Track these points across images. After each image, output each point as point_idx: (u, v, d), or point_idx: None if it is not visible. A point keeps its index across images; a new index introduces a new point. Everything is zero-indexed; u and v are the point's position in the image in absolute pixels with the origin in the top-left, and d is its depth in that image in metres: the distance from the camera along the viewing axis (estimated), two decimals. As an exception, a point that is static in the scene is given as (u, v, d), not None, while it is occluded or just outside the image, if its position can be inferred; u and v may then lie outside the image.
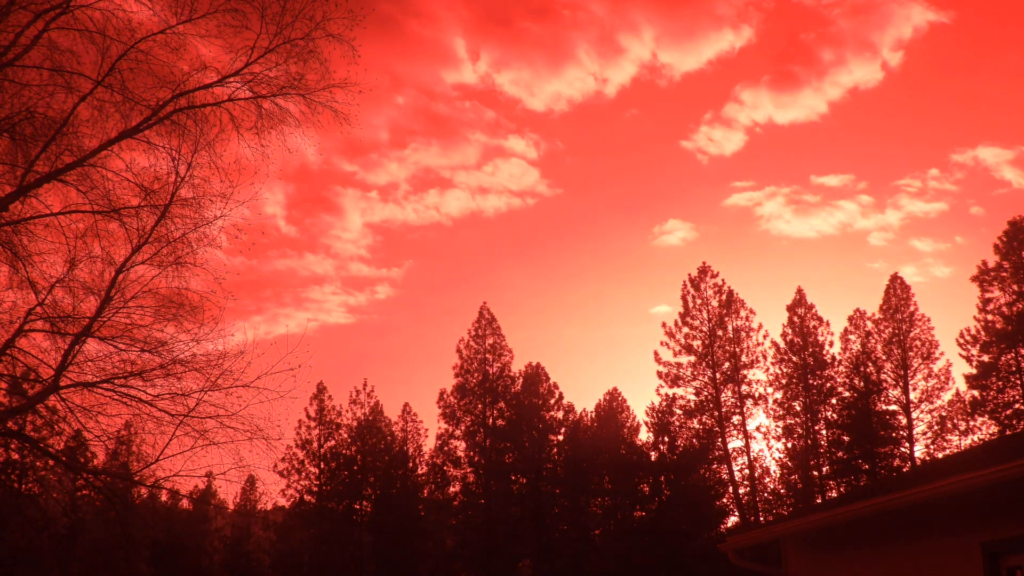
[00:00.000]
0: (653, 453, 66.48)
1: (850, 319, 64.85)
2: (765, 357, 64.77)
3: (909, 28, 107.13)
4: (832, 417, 62.96)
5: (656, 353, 66.09)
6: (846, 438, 62.20)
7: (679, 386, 65.36)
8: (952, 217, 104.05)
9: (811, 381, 63.40)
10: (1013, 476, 9.98)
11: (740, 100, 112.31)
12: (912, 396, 61.99)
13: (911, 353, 62.46)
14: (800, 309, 65.09)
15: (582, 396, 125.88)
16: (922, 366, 62.08)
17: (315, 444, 70.97)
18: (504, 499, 66.38)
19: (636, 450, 67.72)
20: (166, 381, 16.93)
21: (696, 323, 65.73)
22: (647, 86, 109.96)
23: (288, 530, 70.54)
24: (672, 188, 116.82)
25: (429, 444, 72.77)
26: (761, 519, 62.21)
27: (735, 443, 64.38)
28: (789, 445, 63.32)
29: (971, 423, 59.55)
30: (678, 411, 65.19)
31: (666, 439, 65.48)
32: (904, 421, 61.96)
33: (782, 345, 64.60)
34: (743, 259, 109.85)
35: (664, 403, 65.49)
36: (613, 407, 71.15)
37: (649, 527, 63.83)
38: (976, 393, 58.20)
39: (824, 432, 63.05)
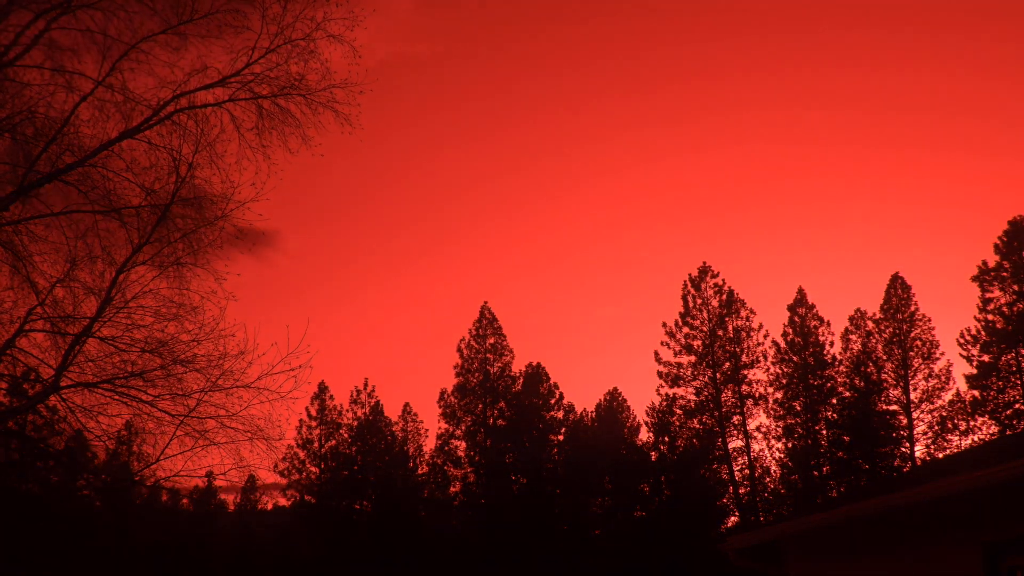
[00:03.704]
0: (653, 453, 66.49)
1: (851, 319, 64.91)
2: (765, 357, 64.83)
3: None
4: (832, 417, 62.96)
5: (656, 353, 66.18)
6: (846, 438, 62.21)
7: (679, 386, 65.42)
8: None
9: (811, 381, 63.41)
10: (1013, 476, 9.99)
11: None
12: (912, 396, 62.03)
13: (912, 353, 62.48)
14: (801, 309, 65.12)
15: (582, 396, 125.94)
16: (923, 366, 62.11)
17: (316, 444, 70.99)
18: (504, 499, 66.38)
19: (636, 450, 67.72)
20: (167, 381, 16.90)
21: (696, 323, 65.77)
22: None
23: (289, 530, 70.54)
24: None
25: (429, 444, 72.74)
26: (761, 519, 62.23)
27: (735, 443, 64.48)
28: (789, 445, 63.34)
29: (971, 423, 59.59)
30: (678, 411, 65.21)
31: (666, 439, 65.49)
32: (904, 421, 61.98)
33: (782, 345, 64.63)
34: (743, 257, 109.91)
35: (664, 403, 65.52)
36: (613, 407, 71.18)
37: (649, 527, 63.83)
38: (976, 393, 58.20)
39: (824, 432, 63.06)
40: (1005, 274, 57.55)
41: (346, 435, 71.74)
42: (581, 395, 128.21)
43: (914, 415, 61.77)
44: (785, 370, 64.11)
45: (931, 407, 61.52)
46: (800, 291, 65.83)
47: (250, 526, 76.42)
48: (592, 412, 71.56)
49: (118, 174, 17.13)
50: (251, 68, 17.31)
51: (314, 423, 71.38)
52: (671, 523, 62.08)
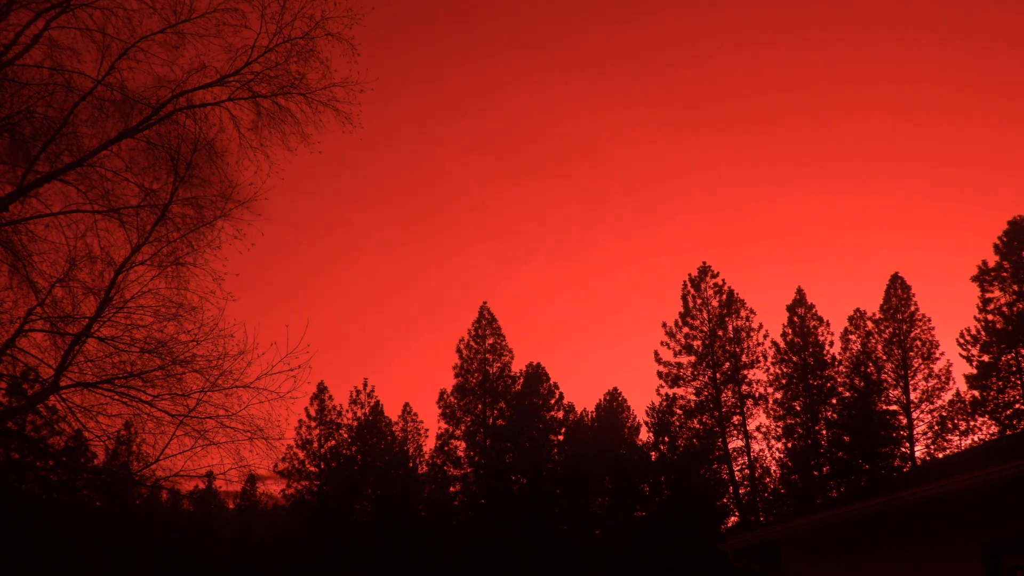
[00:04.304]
0: (653, 453, 66.47)
1: (850, 319, 64.90)
2: (765, 357, 64.80)
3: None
4: (832, 417, 62.94)
5: (656, 353, 66.16)
6: (846, 438, 62.18)
7: (679, 386, 65.39)
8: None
9: (811, 381, 63.39)
10: (1013, 476, 9.97)
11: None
12: (912, 396, 62.03)
13: (911, 353, 62.48)
14: (800, 309, 65.10)
15: (582, 396, 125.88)
16: (923, 366, 62.11)
17: (315, 444, 70.98)
18: (504, 499, 66.37)
19: (636, 450, 67.72)
20: (166, 382, 16.88)
21: (696, 323, 65.75)
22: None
23: (289, 530, 70.55)
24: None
25: (429, 444, 72.83)
26: (761, 519, 62.21)
27: (735, 443, 64.45)
28: (789, 445, 63.32)
29: (971, 423, 59.58)
30: (678, 411, 65.19)
31: (666, 439, 65.47)
32: (904, 421, 61.98)
33: (782, 345, 64.62)
34: (743, 257, 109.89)
35: (664, 403, 65.49)
36: (613, 407, 71.16)
37: (649, 527, 63.82)
38: (976, 393, 58.21)
39: (824, 432, 63.04)
40: (1005, 274, 57.55)
41: (346, 435, 71.76)
42: (581, 395, 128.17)
43: (914, 415, 61.77)
44: (785, 370, 64.10)
45: (931, 407, 61.55)
46: (800, 291, 65.89)
47: (250, 526, 76.41)
48: (592, 412, 71.56)
49: (117, 174, 17.15)
50: (250, 67, 17.33)
51: (313, 423, 71.40)
52: (671, 523, 62.06)
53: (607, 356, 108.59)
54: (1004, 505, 10.97)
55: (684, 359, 65.52)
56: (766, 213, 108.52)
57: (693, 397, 65.02)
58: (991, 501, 11.13)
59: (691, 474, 63.47)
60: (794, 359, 64.00)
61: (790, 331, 64.83)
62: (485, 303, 71.03)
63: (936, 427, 61.08)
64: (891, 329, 63.09)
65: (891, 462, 61.21)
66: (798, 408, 63.30)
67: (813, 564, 14.96)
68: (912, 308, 63.16)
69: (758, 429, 64.40)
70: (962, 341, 59.05)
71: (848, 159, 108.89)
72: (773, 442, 64.05)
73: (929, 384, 61.79)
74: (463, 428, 68.63)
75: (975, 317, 58.60)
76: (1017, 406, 56.89)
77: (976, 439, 58.52)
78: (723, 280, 66.30)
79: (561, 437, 69.43)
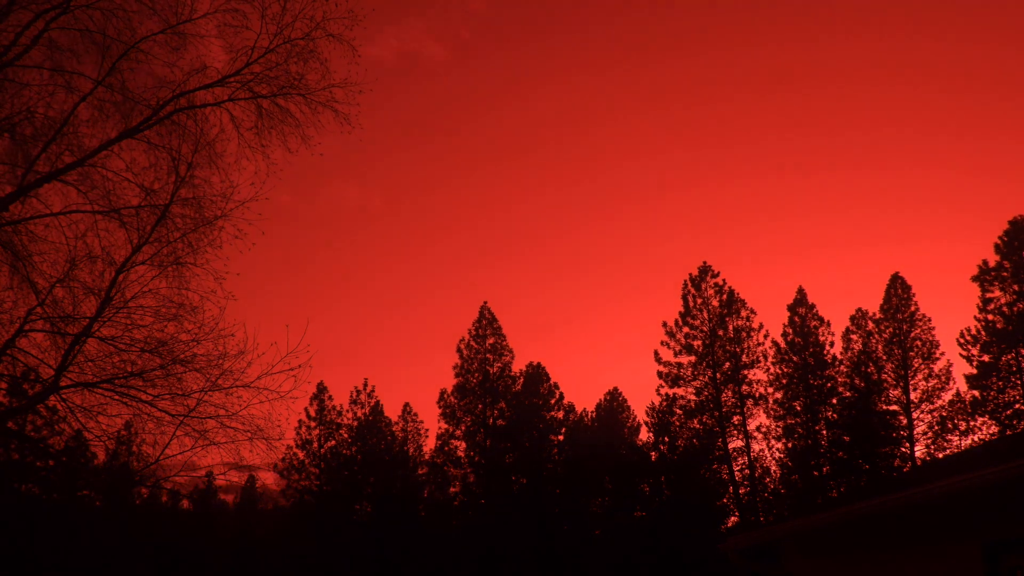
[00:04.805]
0: (653, 453, 66.45)
1: (851, 319, 64.88)
2: (766, 357, 64.75)
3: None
4: (832, 417, 62.91)
5: (656, 353, 66.12)
6: (846, 438, 62.15)
7: (679, 386, 65.33)
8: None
9: (811, 381, 63.35)
10: (1013, 476, 9.98)
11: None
12: (912, 396, 62.01)
13: (912, 353, 62.46)
14: (801, 309, 65.06)
15: (582, 396, 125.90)
16: (923, 366, 62.09)
17: (315, 444, 70.98)
18: (504, 499, 66.35)
19: (636, 450, 67.69)
20: (166, 381, 16.87)
21: (697, 323, 65.70)
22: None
23: (289, 530, 70.54)
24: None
25: (429, 444, 72.83)
26: (761, 519, 62.20)
27: (735, 443, 64.41)
28: (789, 445, 63.29)
29: (971, 423, 59.56)
30: (678, 411, 65.14)
31: (666, 439, 65.44)
32: (904, 421, 61.96)
33: (783, 345, 64.57)
34: (743, 257, 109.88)
35: (664, 403, 65.45)
36: (613, 407, 71.15)
37: (649, 527, 63.80)
38: (976, 393, 58.19)
39: (824, 432, 63.01)
40: (1005, 274, 57.52)
41: (346, 435, 71.74)
42: (581, 395, 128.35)
43: (914, 415, 61.75)
44: (785, 370, 64.05)
45: (931, 407, 61.52)
46: (800, 291, 65.83)
47: (250, 526, 76.45)
48: (592, 412, 71.55)
49: (118, 174, 17.16)
50: (250, 68, 17.33)
51: (313, 423, 71.39)
52: (671, 523, 62.05)
53: (607, 356, 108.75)
54: (1004, 505, 10.98)
55: (684, 359, 65.53)
56: (766, 213, 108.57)
57: (693, 397, 65.00)
58: (991, 501, 11.13)
59: (691, 474, 63.41)
60: (794, 359, 63.96)
61: (791, 331, 64.79)
62: (485, 303, 71.10)
63: (936, 427, 61.08)
64: (891, 329, 63.06)
65: (891, 462, 61.18)
66: (798, 408, 63.27)
67: (813, 564, 14.96)
68: (912, 308, 63.14)
69: (758, 429, 64.43)
70: (962, 341, 59.06)
71: (848, 159, 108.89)
72: (773, 442, 64.09)
73: (929, 384, 61.79)
74: (463, 428, 68.60)
75: (975, 317, 58.62)
76: (1017, 406, 56.87)
77: (976, 439, 58.52)
78: (723, 280, 66.32)
79: (561, 437, 69.40)
